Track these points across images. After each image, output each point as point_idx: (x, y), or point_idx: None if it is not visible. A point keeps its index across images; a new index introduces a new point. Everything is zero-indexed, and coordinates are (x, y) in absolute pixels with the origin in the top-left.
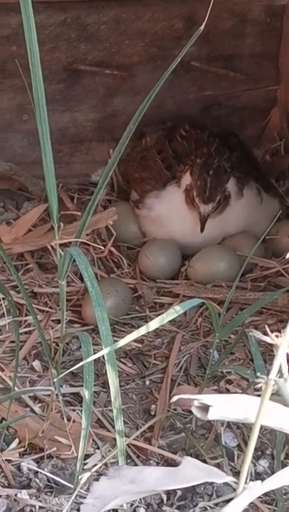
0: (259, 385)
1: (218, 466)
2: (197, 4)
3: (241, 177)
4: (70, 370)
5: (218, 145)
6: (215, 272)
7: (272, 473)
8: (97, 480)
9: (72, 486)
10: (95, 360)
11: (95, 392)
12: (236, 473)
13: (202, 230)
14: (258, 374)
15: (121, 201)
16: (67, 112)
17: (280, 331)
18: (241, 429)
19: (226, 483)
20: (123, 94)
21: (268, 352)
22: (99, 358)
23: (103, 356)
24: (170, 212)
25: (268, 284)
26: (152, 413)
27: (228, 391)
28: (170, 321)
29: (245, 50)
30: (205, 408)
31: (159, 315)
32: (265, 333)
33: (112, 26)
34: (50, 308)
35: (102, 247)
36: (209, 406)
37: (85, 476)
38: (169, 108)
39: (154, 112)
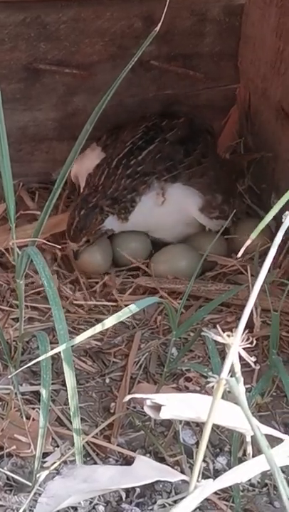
0: (211, 385)
1: (177, 463)
2: (156, 4)
3: (126, 206)
4: (25, 366)
5: (117, 167)
6: (176, 270)
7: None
8: (55, 477)
9: (31, 484)
10: (54, 358)
11: (54, 390)
12: None
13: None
14: (210, 374)
15: None
16: (27, 111)
17: None
18: (200, 427)
19: (184, 480)
20: (83, 93)
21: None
22: (59, 356)
23: (61, 353)
24: None
25: (227, 281)
26: (112, 411)
27: (187, 389)
28: (129, 319)
29: (205, 49)
30: (158, 407)
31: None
32: (218, 333)
33: (72, 25)
34: (11, 306)
35: (59, 247)
36: (162, 405)
37: (44, 474)
38: (129, 107)
39: (114, 110)
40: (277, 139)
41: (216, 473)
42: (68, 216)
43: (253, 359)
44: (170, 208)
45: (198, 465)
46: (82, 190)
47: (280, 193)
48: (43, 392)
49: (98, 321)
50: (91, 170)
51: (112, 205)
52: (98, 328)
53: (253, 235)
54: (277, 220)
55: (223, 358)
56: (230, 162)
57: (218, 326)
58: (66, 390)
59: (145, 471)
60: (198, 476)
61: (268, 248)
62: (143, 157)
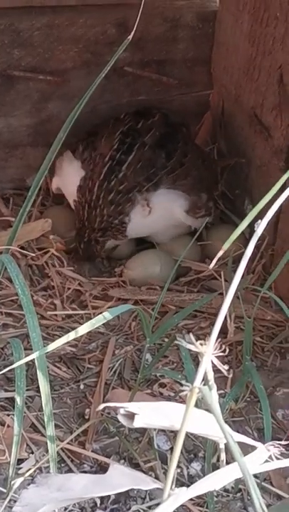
0: (184, 393)
1: (152, 469)
2: (130, 10)
3: (118, 229)
4: (0, 373)
5: (100, 191)
6: (150, 275)
7: (205, 475)
8: (29, 485)
9: (5, 491)
10: (29, 364)
11: (29, 396)
12: None
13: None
14: (184, 382)
15: (56, 206)
16: (1, 117)
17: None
18: (174, 433)
19: None
20: (57, 100)
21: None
22: (34, 362)
23: (35, 360)
24: None
25: (202, 287)
26: (86, 417)
27: (161, 394)
28: (104, 325)
29: (178, 55)
30: (132, 415)
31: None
32: (191, 341)
33: (46, 32)
34: None
35: (33, 254)
36: (135, 414)
37: (18, 481)
38: (103, 113)
39: (88, 117)
40: (251, 145)
41: (191, 479)
42: (74, 245)
43: (226, 367)
44: (157, 215)
45: (172, 473)
46: (70, 203)
47: (254, 199)
48: (18, 399)
49: (73, 327)
50: (74, 186)
51: (104, 234)
52: (72, 335)
53: (226, 246)
54: (251, 226)
55: (197, 364)
56: (208, 153)
57: (191, 334)
58: (41, 397)
59: (119, 479)
60: (173, 484)
61: (242, 254)
62: (124, 173)
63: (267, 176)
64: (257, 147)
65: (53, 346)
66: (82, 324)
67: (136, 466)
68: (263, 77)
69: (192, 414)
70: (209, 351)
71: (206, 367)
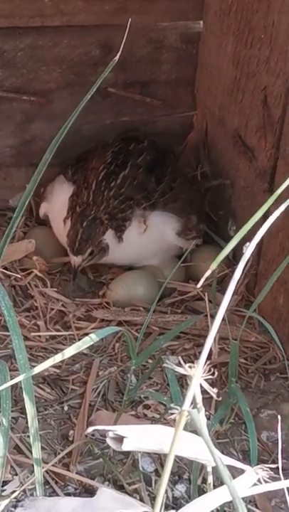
0: (173, 416)
1: (136, 491)
2: (113, 31)
3: (120, 224)
4: None
5: (100, 189)
6: (133, 296)
7: (189, 497)
8: (15, 507)
9: None
10: (13, 386)
11: (13, 417)
12: (154, 498)
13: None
14: (172, 405)
15: (39, 226)
16: None
17: (196, 356)
18: (159, 455)
19: None
20: (41, 120)
21: (185, 377)
22: (17, 383)
23: (21, 382)
24: None
25: (185, 308)
26: (70, 439)
27: (145, 416)
28: (87, 346)
29: (162, 76)
30: (120, 438)
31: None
32: (179, 363)
33: (29, 53)
34: None
35: (22, 277)
36: (124, 437)
37: (4, 503)
38: (87, 134)
39: (71, 137)
40: (234, 167)
41: (175, 501)
42: (69, 232)
43: (215, 390)
44: (151, 235)
45: (161, 496)
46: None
47: (237, 220)
48: (3, 421)
49: (56, 348)
50: (63, 206)
51: (110, 219)
52: (58, 357)
53: (214, 265)
54: (234, 247)
55: (181, 386)
56: (193, 177)
57: (180, 357)
58: (25, 418)
59: (107, 502)
60: (162, 508)
61: (225, 274)
62: (121, 181)
63: (251, 197)
64: (241, 168)
65: (39, 368)
66: (65, 345)
67: (120, 488)
68: (247, 99)
69: (181, 438)
70: (198, 374)
71: (194, 390)
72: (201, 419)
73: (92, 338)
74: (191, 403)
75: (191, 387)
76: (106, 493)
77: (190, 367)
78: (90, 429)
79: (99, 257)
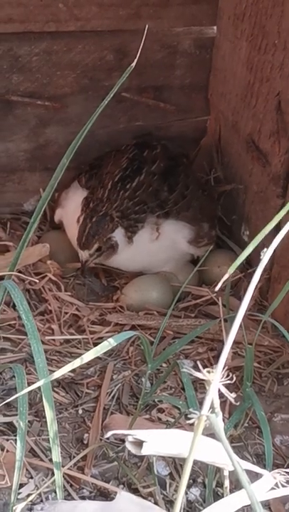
0: (192, 421)
1: (151, 494)
2: (127, 36)
3: (132, 225)
4: (3, 403)
5: (116, 188)
6: (147, 300)
7: (204, 501)
8: (30, 510)
9: None
10: None
11: (28, 421)
12: (168, 502)
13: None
14: (191, 409)
15: (53, 230)
16: None
17: (210, 360)
18: (173, 458)
19: None
20: (55, 125)
21: (199, 381)
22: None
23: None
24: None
25: (199, 312)
26: (85, 442)
27: (159, 420)
28: None
29: (175, 81)
30: (138, 442)
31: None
32: (196, 367)
33: (44, 58)
34: None
35: (36, 280)
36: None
37: (20, 506)
38: (101, 138)
39: (85, 141)
40: (248, 172)
41: (189, 505)
42: (79, 227)
43: (233, 395)
44: (163, 243)
45: (180, 501)
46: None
47: (251, 225)
48: (21, 425)
49: (71, 352)
50: (78, 211)
51: (121, 217)
52: (77, 362)
53: (231, 270)
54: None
55: (196, 389)
56: (206, 181)
57: (198, 362)
58: (39, 421)
59: (127, 506)
60: None
61: (239, 279)
62: (136, 185)
63: (264, 202)
64: (254, 173)
65: (59, 373)
66: (80, 349)
67: (135, 492)
68: (260, 104)
69: (199, 442)
70: (216, 379)
71: (213, 395)
72: (219, 423)
73: (110, 343)
74: (210, 408)
75: (209, 392)
76: (125, 497)
77: (208, 371)
78: (109, 433)
79: (107, 255)
